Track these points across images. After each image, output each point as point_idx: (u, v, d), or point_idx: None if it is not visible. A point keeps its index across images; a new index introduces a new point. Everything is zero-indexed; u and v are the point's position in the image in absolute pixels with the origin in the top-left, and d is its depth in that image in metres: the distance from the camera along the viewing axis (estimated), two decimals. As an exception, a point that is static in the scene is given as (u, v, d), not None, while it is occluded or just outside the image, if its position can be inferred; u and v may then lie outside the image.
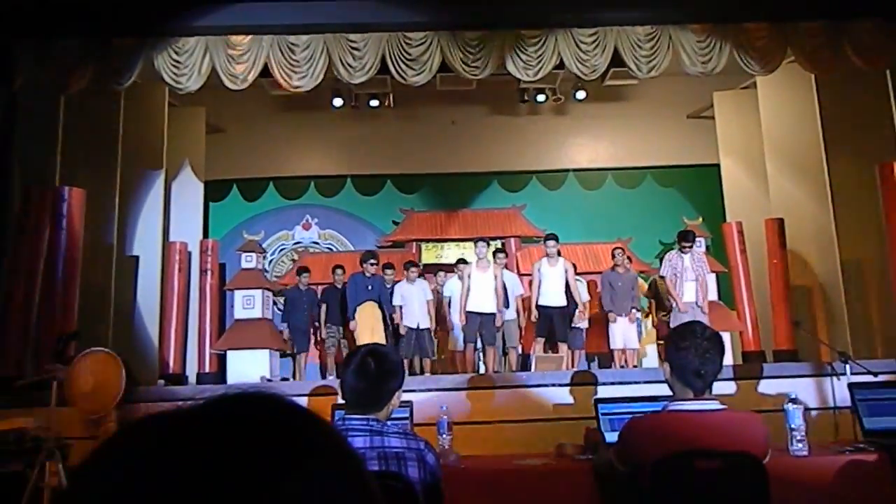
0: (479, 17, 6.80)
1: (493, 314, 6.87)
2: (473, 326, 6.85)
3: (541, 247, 7.66)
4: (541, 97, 9.87)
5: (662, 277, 6.92)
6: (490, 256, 7.22)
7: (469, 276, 6.93)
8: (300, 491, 0.45)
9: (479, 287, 6.87)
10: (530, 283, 7.19)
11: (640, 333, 7.79)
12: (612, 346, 7.34)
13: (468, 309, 6.87)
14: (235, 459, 0.45)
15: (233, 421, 0.48)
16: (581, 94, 9.75)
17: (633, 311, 7.32)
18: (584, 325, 7.46)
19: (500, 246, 8.45)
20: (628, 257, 7.71)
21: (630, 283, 7.42)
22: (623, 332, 7.26)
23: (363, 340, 6.91)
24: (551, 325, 6.94)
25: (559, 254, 7.11)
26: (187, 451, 0.45)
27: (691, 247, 6.64)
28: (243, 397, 0.51)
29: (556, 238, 7.14)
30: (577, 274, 7.63)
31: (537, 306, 6.93)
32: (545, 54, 6.80)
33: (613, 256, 7.56)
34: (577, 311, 7.07)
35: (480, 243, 7.13)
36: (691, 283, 6.51)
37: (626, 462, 2.29)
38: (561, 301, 6.90)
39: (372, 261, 7.49)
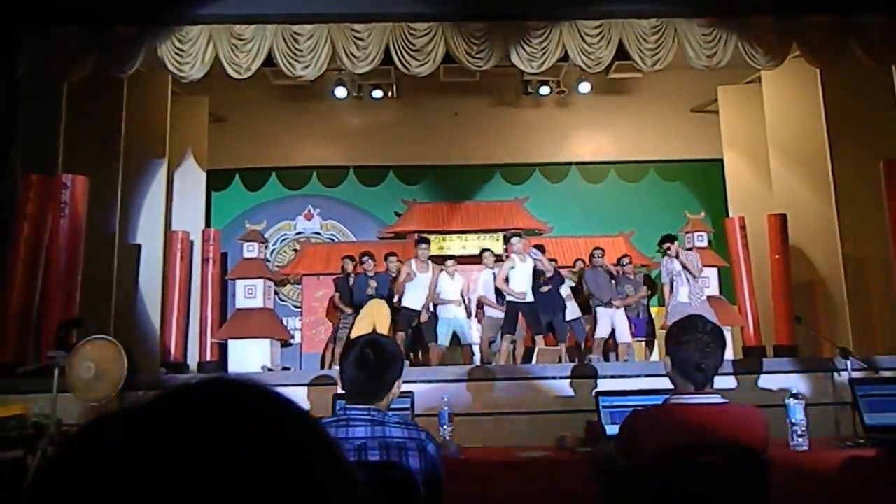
0: (484, 9, 6.77)
1: (433, 314, 6.96)
2: (406, 321, 6.91)
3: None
4: (544, 89, 9.85)
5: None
6: (425, 257, 7.14)
7: (407, 274, 6.95)
8: (276, 483, 0.43)
9: (417, 287, 6.93)
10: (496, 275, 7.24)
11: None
12: (597, 335, 7.31)
13: (403, 304, 6.95)
14: (205, 450, 0.43)
15: (203, 410, 0.46)
16: (585, 87, 9.73)
17: (614, 303, 7.31)
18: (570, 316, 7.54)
19: (488, 246, 8.33)
20: (601, 255, 7.71)
21: (605, 278, 7.46)
22: (612, 323, 7.28)
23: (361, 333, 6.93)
24: (518, 320, 6.98)
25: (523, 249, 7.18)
26: (154, 444, 0.43)
27: (670, 249, 6.76)
28: (214, 385, 0.49)
29: (519, 235, 7.19)
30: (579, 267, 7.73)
31: (507, 302, 6.93)
32: (550, 46, 6.77)
33: (592, 256, 7.66)
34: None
35: (423, 245, 7.14)
36: (685, 286, 6.64)
37: (626, 455, 2.29)
38: (529, 297, 6.89)
39: (365, 258, 7.61)
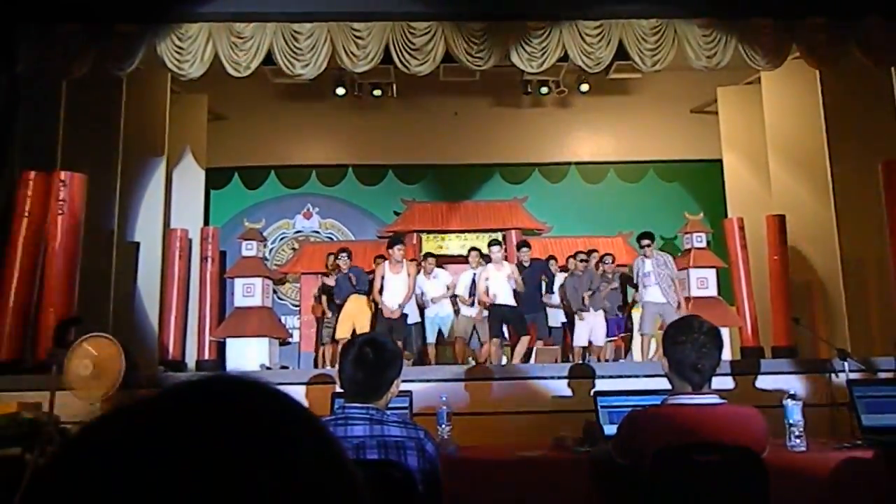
0: (484, 8, 6.76)
1: (406, 315, 6.89)
2: (385, 327, 6.82)
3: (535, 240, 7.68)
4: (544, 89, 9.84)
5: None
6: (400, 257, 7.02)
7: (383, 277, 6.88)
8: (277, 482, 0.43)
9: (393, 288, 6.85)
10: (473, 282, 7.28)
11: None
12: (574, 343, 7.31)
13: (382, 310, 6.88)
14: (206, 449, 0.43)
15: (204, 409, 0.46)
16: (584, 87, 9.72)
17: (590, 308, 7.29)
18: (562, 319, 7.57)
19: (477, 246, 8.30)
20: (583, 259, 7.68)
21: (587, 282, 7.45)
22: (588, 328, 7.28)
23: (343, 333, 7.00)
24: (505, 323, 6.98)
25: (505, 259, 7.18)
26: (155, 444, 0.43)
27: (649, 246, 6.89)
28: (214, 383, 0.49)
29: (499, 244, 7.17)
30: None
31: (490, 305, 6.92)
32: (549, 46, 6.77)
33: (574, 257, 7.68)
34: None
35: (397, 245, 7.03)
36: (654, 287, 6.75)
37: (624, 455, 2.29)
38: (510, 300, 6.88)
39: (342, 254, 7.58)
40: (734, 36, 6.68)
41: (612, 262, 7.85)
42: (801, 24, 6.70)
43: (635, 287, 7.22)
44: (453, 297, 7.59)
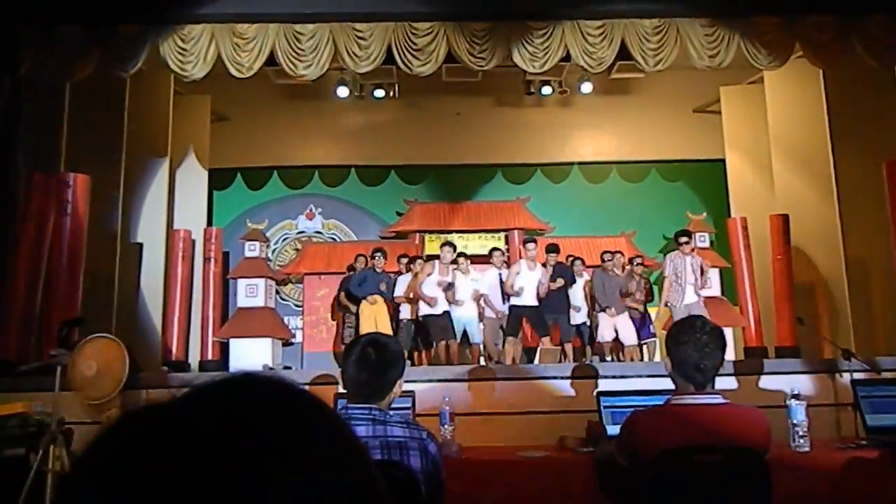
0: (486, 8, 6.76)
1: (448, 312, 6.99)
2: (424, 330, 6.97)
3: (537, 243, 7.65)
4: (546, 89, 9.83)
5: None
6: (448, 258, 7.16)
7: (428, 275, 6.98)
8: (299, 481, 0.44)
9: (436, 290, 6.93)
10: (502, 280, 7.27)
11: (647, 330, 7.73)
12: (599, 339, 7.30)
13: (422, 313, 6.98)
14: (231, 447, 0.43)
15: (231, 407, 0.47)
16: (587, 87, 9.70)
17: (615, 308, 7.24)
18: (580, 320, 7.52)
19: (492, 246, 8.31)
20: (610, 258, 7.63)
21: (621, 284, 7.41)
22: (614, 326, 7.25)
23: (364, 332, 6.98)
24: (524, 323, 6.99)
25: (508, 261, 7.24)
26: (183, 440, 0.44)
27: (689, 243, 6.70)
28: (243, 381, 0.50)
29: (535, 242, 7.20)
30: (585, 267, 7.71)
31: (510, 306, 6.95)
32: (552, 46, 6.77)
33: (603, 259, 7.57)
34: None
35: (447, 247, 7.20)
36: (690, 286, 6.57)
37: (627, 455, 2.28)
38: (534, 301, 6.92)
39: (377, 254, 7.63)
40: (737, 35, 6.66)
41: (641, 262, 7.83)
42: (803, 23, 6.68)
43: (668, 283, 6.74)
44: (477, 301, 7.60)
